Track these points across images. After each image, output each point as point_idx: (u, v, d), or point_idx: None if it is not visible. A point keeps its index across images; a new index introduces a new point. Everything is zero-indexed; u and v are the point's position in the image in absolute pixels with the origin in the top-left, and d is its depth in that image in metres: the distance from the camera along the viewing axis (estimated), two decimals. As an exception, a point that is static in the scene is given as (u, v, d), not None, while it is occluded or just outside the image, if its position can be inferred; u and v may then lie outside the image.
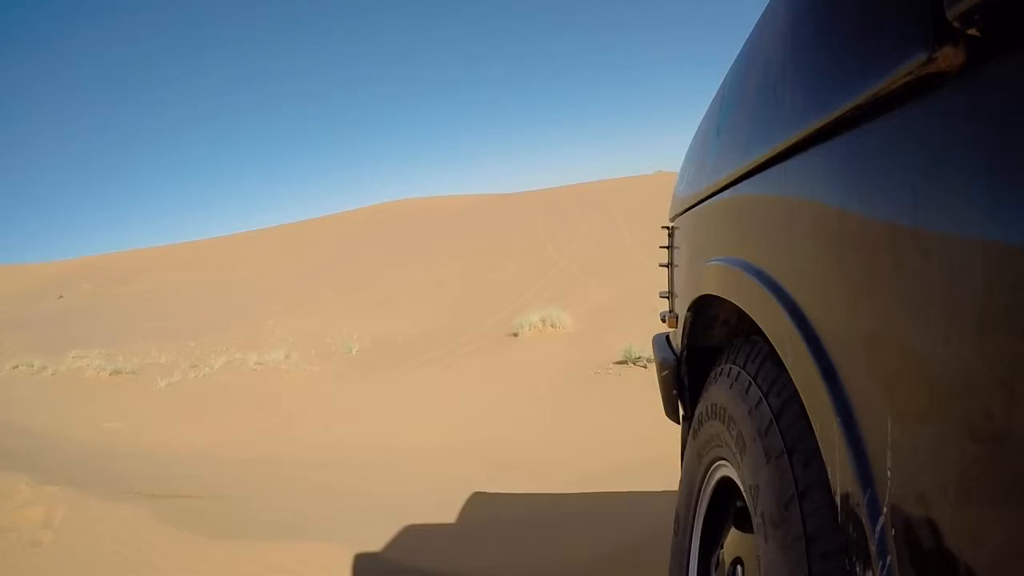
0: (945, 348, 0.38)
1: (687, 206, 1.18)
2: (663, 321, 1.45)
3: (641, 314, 10.95)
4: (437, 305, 15.47)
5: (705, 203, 1.01)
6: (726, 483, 0.96)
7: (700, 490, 1.04)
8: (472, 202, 33.32)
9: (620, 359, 8.86)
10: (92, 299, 25.21)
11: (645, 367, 8.48)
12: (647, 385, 7.40)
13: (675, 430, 1.39)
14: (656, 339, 1.49)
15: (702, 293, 0.97)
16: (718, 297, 0.88)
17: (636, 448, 5.06)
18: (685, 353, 1.19)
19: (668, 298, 1.45)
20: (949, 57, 0.36)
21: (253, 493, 4.31)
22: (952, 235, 0.37)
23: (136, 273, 29.98)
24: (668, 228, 1.46)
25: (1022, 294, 0.31)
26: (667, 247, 1.46)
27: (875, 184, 0.46)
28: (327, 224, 34.67)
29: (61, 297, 27.97)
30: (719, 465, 0.96)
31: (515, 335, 11.62)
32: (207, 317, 18.55)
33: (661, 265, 1.52)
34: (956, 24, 0.34)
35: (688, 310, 1.10)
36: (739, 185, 0.80)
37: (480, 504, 3.72)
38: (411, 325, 13.95)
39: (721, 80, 0.98)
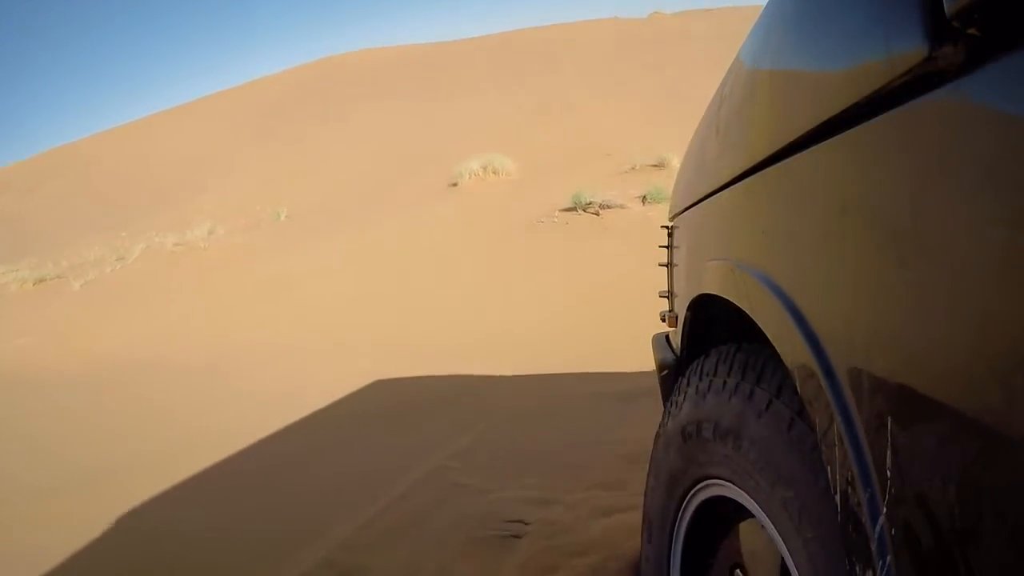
0: (945, 348, 0.38)
1: (686, 205, 1.18)
2: (663, 320, 1.45)
3: (591, 160, 10.43)
4: (371, 162, 14.68)
5: (704, 202, 1.01)
6: (719, 500, 0.92)
7: (681, 505, 1.02)
8: (405, 52, 31.57)
9: (567, 206, 8.24)
10: (16, 211, 23.53)
11: (597, 214, 7.99)
12: (595, 236, 7.24)
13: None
14: (656, 339, 1.50)
15: (701, 292, 0.96)
16: (718, 297, 0.88)
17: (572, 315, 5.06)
18: (685, 353, 1.19)
19: (668, 298, 1.45)
20: (948, 56, 0.36)
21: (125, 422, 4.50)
22: (952, 235, 0.36)
23: (59, 172, 28.02)
24: (668, 228, 1.46)
25: (1022, 294, 0.31)
26: (667, 247, 1.46)
27: (875, 183, 0.46)
28: (250, 91, 32.87)
29: None
30: (712, 484, 0.91)
31: (454, 185, 10.72)
32: (138, 202, 17.83)
33: (661, 265, 1.52)
34: (955, 23, 0.34)
35: (688, 310, 1.10)
36: (739, 184, 0.79)
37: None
38: (343, 184, 13.28)
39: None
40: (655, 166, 9.73)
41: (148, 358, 6.38)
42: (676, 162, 9.58)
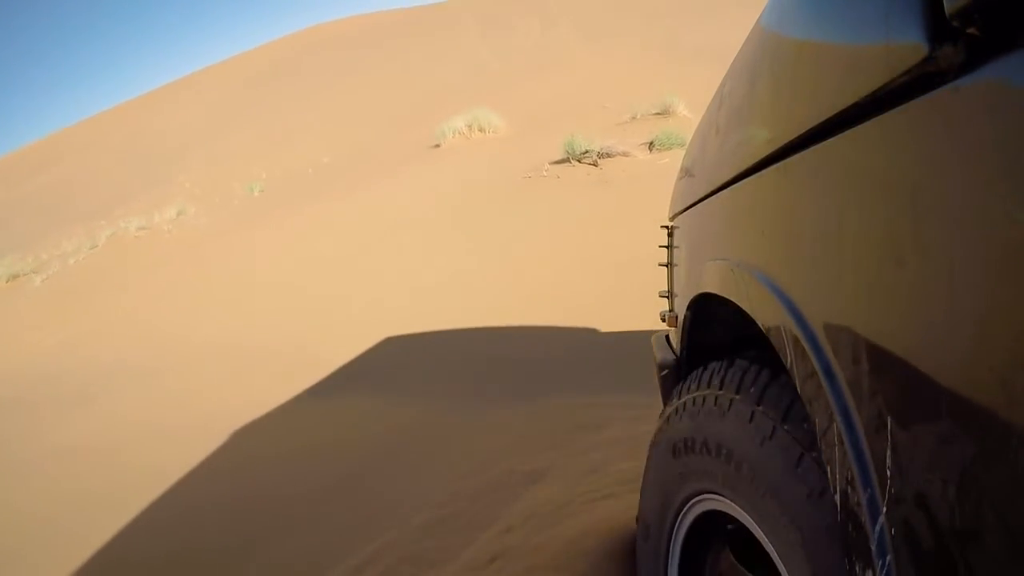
0: (945, 348, 0.37)
1: (687, 204, 1.18)
2: (663, 320, 1.46)
3: (588, 113, 9.46)
4: (355, 127, 14.18)
5: (704, 201, 1.01)
6: (716, 514, 0.92)
7: (677, 516, 1.02)
8: (391, 17, 30.97)
9: (560, 158, 7.33)
10: (7, 202, 23.51)
11: (595, 164, 7.02)
12: (593, 189, 6.48)
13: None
14: (656, 339, 1.50)
15: (702, 292, 0.96)
16: (718, 296, 0.88)
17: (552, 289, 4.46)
18: (685, 353, 1.19)
19: (668, 298, 1.45)
20: (949, 56, 0.36)
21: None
22: (952, 234, 0.36)
23: (47, 162, 27.83)
24: (667, 227, 1.46)
25: (1022, 294, 0.31)
26: (666, 246, 1.46)
27: (875, 183, 0.46)
28: (235, 65, 32.49)
29: None
30: (707, 499, 0.91)
31: (436, 146, 9.85)
32: (121, 188, 17.63)
33: (660, 264, 1.52)
34: (955, 23, 0.34)
35: (688, 309, 1.10)
36: (739, 183, 0.79)
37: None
38: (325, 152, 12.85)
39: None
40: (659, 114, 8.87)
41: (72, 365, 5.84)
42: (683, 109, 8.68)
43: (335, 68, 23.21)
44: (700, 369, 0.97)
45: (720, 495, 0.85)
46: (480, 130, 9.59)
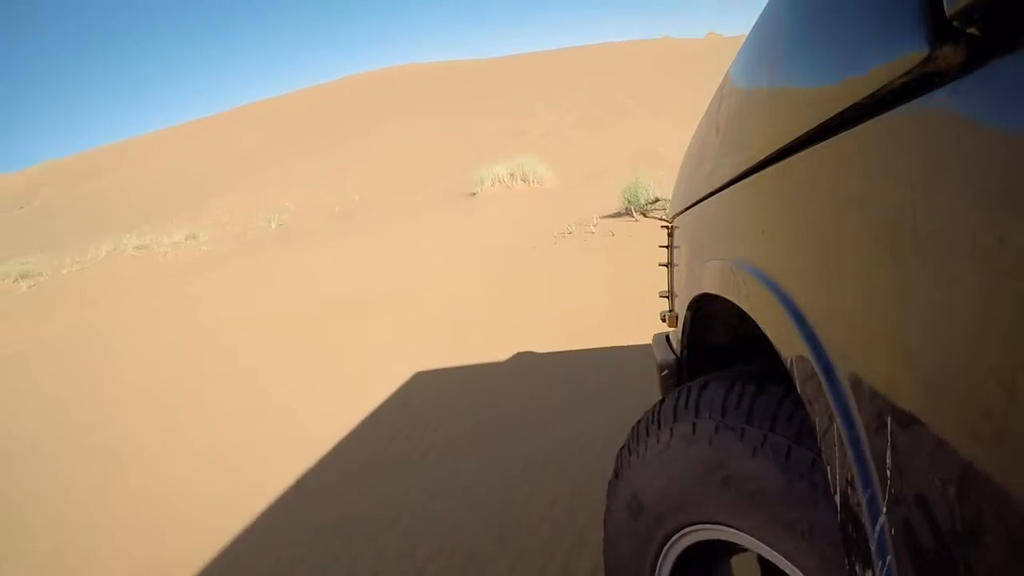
0: (945, 348, 0.38)
1: (687, 205, 1.18)
2: (663, 320, 1.46)
3: (652, 163, 8.20)
4: (397, 169, 14.00)
5: (705, 202, 1.01)
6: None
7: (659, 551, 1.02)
8: (451, 68, 31.45)
9: (614, 212, 5.88)
10: (52, 205, 24.29)
11: (662, 220, 4.34)
12: (652, 248, 4.83)
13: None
14: (656, 339, 1.50)
15: (702, 292, 0.97)
16: (718, 296, 0.88)
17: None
18: (685, 353, 1.20)
19: (668, 298, 1.45)
20: (949, 56, 0.36)
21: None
22: (951, 234, 0.36)
23: (99, 171, 28.65)
24: (667, 227, 1.47)
25: (1022, 294, 0.31)
26: (667, 247, 1.47)
27: (875, 183, 0.46)
28: (296, 100, 32.99)
29: (22, 208, 27.45)
30: (705, 528, 0.90)
31: (473, 194, 8.85)
32: (160, 204, 17.94)
33: (661, 264, 1.52)
34: (955, 23, 0.34)
35: (688, 309, 1.11)
36: (739, 184, 0.80)
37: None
38: (359, 190, 12.70)
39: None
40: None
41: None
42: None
43: (392, 111, 23.60)
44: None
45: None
46: (523, 180, 8.52)
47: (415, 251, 6.86)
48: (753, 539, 0.78)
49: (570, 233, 5.36)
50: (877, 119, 0.45)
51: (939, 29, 0.36)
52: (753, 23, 0.79)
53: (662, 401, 0.98)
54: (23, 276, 10.73)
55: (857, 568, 0.49)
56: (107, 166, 29.14)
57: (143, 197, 20.48)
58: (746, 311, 0.73)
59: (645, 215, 5.03)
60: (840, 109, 0.49)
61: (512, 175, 8.34)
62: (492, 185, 8.34)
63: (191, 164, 24.46)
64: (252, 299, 6.35)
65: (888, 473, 0.44)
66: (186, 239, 10.87)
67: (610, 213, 5.92)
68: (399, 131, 19.31)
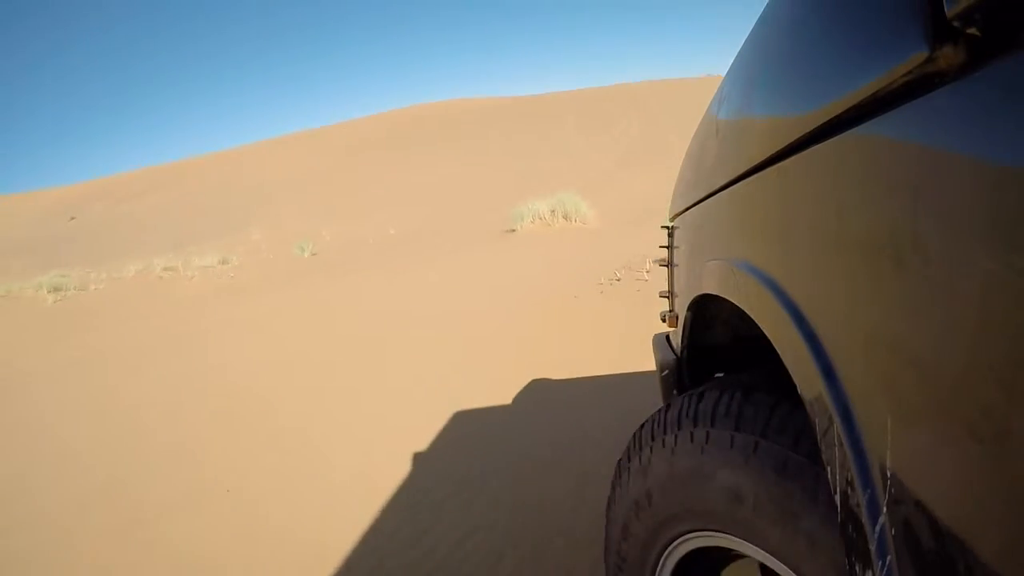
0: (945, 348, 0.37)
1: (687, 205, 1.18)
2: (663, 321, 1.46)
3: None
4: (437, 203, 13.73)
5: (705, 202, 1.01)
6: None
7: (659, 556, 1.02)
8: (495, 104, 31.34)
9: (665, 256, 4.40)
10: (103, 218, 24.70)
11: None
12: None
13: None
14: (656, 339, 1.50)
15: (702, 292, 0.97)
16: (718, 297, 0.88)
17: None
18: (686, 353, 1.20)
19: (668, 298, 1.45)
20: (949, 56, 0.36)
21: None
22: (952, 235, 0.36)
23: (150, 189, 29.20)
24: (668, 228, 1.47)
25: (1022, 294, 0.31)
26: (667, 247, 1.47)
27: (875, 183, 0.46)
28: (342, 131, 33.20)
29: (73, 219, 28.20)
30: (709, 535, 0.90)
31: (512, 231, 8.25)
32: (202, 227, 18.06)
33: (661, 265, 1.52)
34: (956, 23, 0.34)
35: (688, 310, 1.11)
36: (738, 184, 0.79)
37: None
38: (396, 223, 12.55)
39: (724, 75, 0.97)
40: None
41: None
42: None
43: (434, 145, 23.38)
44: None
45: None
46: (564, 217, 7.91)
47: (440, 300, 5.85)
48: (751, 545, 0.78)
49: (618, 280, 4.39)
50: (877, 119, 0.45)
51: (939, 29, 0.36)
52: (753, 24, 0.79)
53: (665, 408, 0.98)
54: (56, 288, 10.67)
55: (857, 568, 0.49)
56: (154, 185, 29.66)
57: (186, 218, 20.61)
58: (746, 311, 0.73)
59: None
60: (840, 110, 0.49)
61: (553, 212, 7.78)
62: (532, 222, 7.77)
63: (232, 189, 24.75)
64: (243, 344, 5.80)
65: (888, 473, 0.44)
66: (219, 263, 10.61)
67: (662, 257, 5.69)
68: (440, 166, 19.12)
